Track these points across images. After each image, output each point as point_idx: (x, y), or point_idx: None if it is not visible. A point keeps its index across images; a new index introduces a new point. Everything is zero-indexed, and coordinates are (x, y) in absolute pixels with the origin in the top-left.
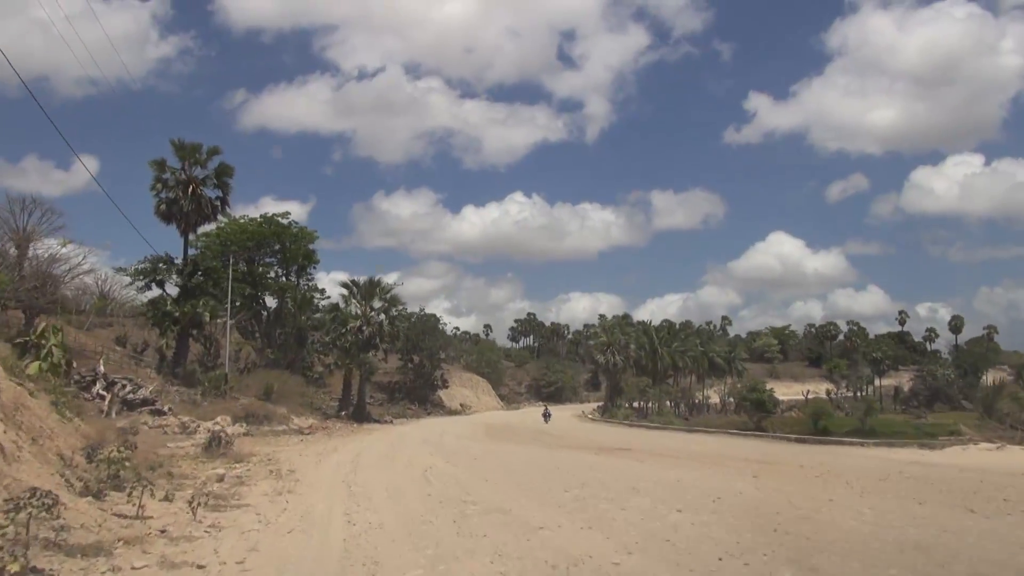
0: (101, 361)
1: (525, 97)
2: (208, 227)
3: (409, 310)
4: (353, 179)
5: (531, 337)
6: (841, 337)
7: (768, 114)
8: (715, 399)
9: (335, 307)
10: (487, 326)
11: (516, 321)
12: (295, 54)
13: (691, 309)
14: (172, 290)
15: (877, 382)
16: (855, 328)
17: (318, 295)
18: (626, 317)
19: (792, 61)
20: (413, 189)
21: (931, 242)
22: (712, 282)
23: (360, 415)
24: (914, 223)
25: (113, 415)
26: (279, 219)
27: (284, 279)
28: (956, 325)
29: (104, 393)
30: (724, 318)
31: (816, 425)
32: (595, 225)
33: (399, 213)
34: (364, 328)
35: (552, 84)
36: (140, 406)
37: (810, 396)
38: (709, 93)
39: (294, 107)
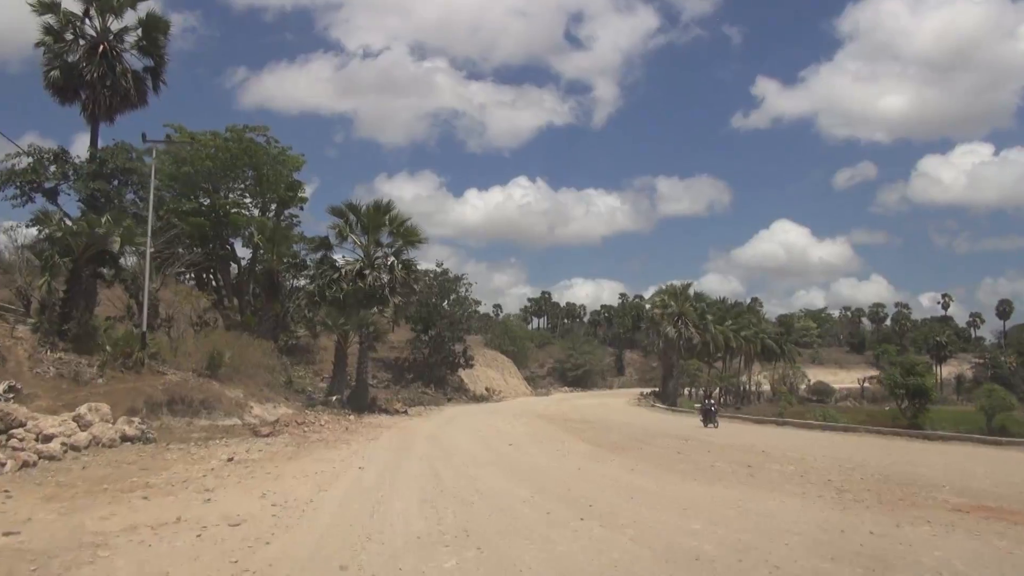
0: None
1: (532, 79)
2: (132, 114)
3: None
4: (355, 161)
5: (544, 318)
6: (888, 322)
7: (776, 100)
8: (766, 386)
9: (324, 242)
10: (497, 305)
11: (529, 300)
12: (297, 32)
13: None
14: (74, 210)
15: (937, 369)
16: (904, 310)
17: (304, 245)
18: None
19: (802, 46)
20: (416, 172)
21: (937, 232)
22: (714, 269)
23: (360, 401)
24: (921, 212)
25: None
26: (252, 134)
27: (260, 215)
28: (1004, 310)
29: None
30: (754, 299)
31: (991, 423)
32: (599, 210)
33: (401, 196)
34: (367, 272)
35: (559, 66)
36: None
37: (867, 384)
38: (717, 78)
39: (296, 86)
